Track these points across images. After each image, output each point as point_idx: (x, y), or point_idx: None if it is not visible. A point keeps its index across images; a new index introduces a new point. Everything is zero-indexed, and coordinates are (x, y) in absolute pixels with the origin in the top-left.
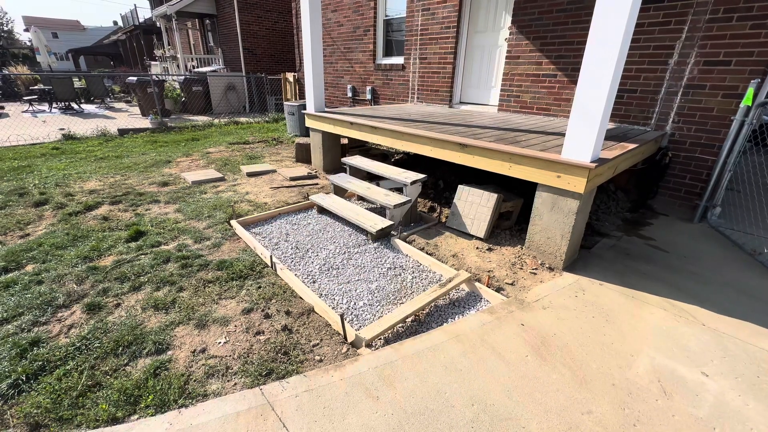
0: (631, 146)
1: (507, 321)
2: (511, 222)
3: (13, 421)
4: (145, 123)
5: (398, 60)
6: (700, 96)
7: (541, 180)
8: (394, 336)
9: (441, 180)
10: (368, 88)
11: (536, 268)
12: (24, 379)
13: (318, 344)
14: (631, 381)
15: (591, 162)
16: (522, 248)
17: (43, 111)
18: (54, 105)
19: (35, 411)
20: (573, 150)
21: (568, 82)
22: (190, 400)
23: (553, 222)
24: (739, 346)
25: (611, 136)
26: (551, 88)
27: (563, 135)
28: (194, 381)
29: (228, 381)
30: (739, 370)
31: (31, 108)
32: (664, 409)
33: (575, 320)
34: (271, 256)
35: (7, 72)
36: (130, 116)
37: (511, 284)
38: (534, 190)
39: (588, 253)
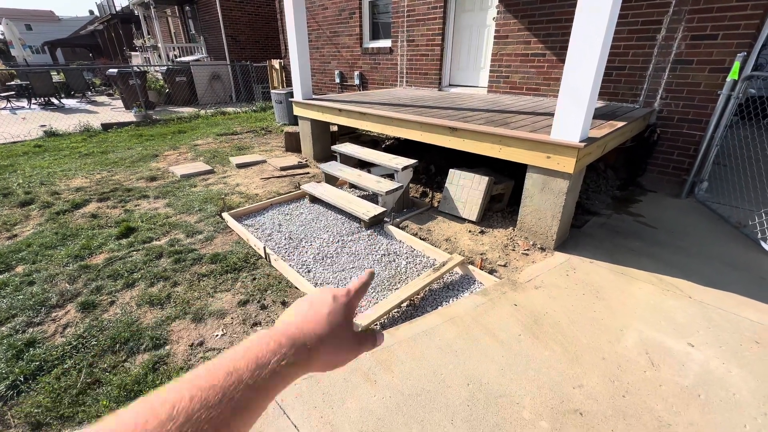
0: (620, 124)
1: (500, 302)
2: (503, 204)
3: (14, 422)
4: (129, 116)
5: (385, 43)
6: (688, 71)
7: (531, 161)
8: (390, 321)
9: (432, 165)
10: (356, 73)
11: (528, 249)
12: (22, 379)
13: None
14: (620, 354)
15: (580, 141)
16: (514, 230)
17: (23, 107)
18: (33, 101)
19: (36, 410)
20: (562, 130)
21: (557, 61)
22: None
23: (544, 203)
24: (724, 317)
25: (600, 115)
26: (540, 68)
27: (553, 115)
28: None
29: None
30: (723, 339)
31: (9, 105)
32: (651, 380)
33: (566, 298)
34: (264, 248)
35: None
36: (113, 110)
37: (504, 266)
38: (525, 172)
39: (578, 232)
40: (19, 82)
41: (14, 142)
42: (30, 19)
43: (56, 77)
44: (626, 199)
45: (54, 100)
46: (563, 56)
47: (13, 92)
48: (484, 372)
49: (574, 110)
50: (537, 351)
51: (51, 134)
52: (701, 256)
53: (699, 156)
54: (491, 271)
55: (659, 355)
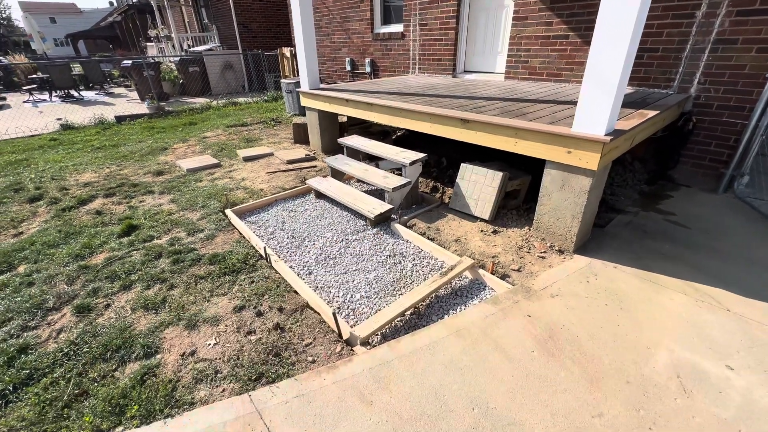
0: (651, 114)
1: (512, 312)
2: (519, 201)
3: None
4: (143, 108)
5: (397, 28)
6: (731, 52)
7: (549, 156)
8: (392, 331)
9: (444, 157)
10: (367, 60)
11: (545, 252)
12: (11, 389)
13: (311, 343)
14: (647, 378)
15: (606, 135)
16: (530, 229)
17: (44, 100)
18: (54, 93)
19: (20, 424)
20: (585, 122)
21: (582, 43)
22: (177, 410)
23: (563, 202)
24: None
25: (628, 103)
26: (563, 51)
27: (575, 103)
28: (182, 387)
29: (216, 387)
30: None
31: (31, 98)
32: (683, 410)
33: (586, 309)
34: (264, 248)
35: (6, 61)
36: (128, 101)
37: (518, 270)
38: (543, 166)
39: (601, 232)
40: (40, 75)
41: (32, 136)
42: (54, 12)
43: (78, 69)
44: (655, 195)
45: (74, 93)
46: (588, 38)
47: (35, 85)
48: (492, 394)
49: (600, 99)
50: (552, 371)
51: (67, 127)
52: (742, 261)
53: (740, 147)
54: (503, 276)
55: (693, 380)
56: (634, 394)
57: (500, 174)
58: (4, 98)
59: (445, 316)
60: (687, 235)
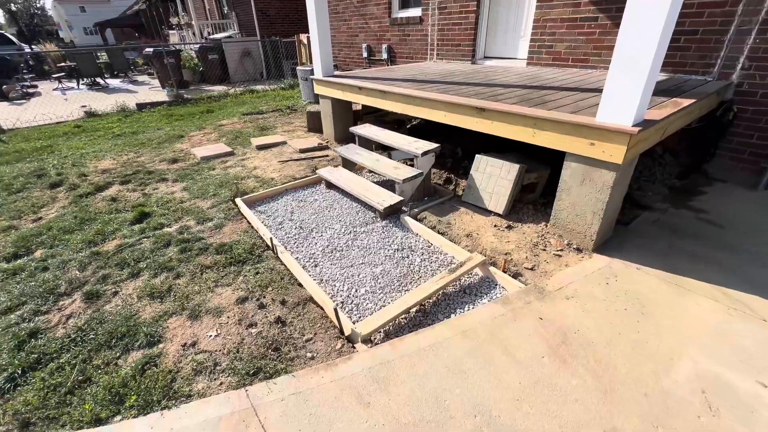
0: (687, 102)
1: (523, 313)
2: (536, 195)
3: (3, 419)
4: (164, 96)
5: (415, 12)
6: None
7: (570, 148)
8: (395, 328)
9: (460, 147)
10: (384, 46)
11: (561, 249)
12: (20, 372)
13: (311, 339)
14: (667, 391)
15: (633, 126)
16: (546, 225)
17: (72, 88)
18: (81, 81)
19: (24, 408)
20: (611, 111)
21: (612, 26)
22: (174, 401)
23: (584, 197)
24: None
25: (661, 90)
26: (591, 35)
27: (601, 91)
28: (181, 378)
29: (215, 379)
30: None
31: (60, 86)
32: (707, 429)
33: (604, 313)
34: (271, 239)
35: (37, 49)
36: (150, 89)
37: (531, 269)
38: (563, 158)
39: (625, 230)
40: (68, 63)
41: (58, 123)
42: (84, 0)
43: (103, 57)
44: (687, 190)
45: (100, 81)
46: (619, 20)
47: (63, 73)
48: (496, 401)
49: (627, 86)
50: (563, 378)
51: (91, 114)
52: None
53: None
54: (516, 275)
55: (719, 396)
56: (652, 409)
57: (517, 166)
58: (36, 86)
59: (452, 315)
60: (720, 234)
